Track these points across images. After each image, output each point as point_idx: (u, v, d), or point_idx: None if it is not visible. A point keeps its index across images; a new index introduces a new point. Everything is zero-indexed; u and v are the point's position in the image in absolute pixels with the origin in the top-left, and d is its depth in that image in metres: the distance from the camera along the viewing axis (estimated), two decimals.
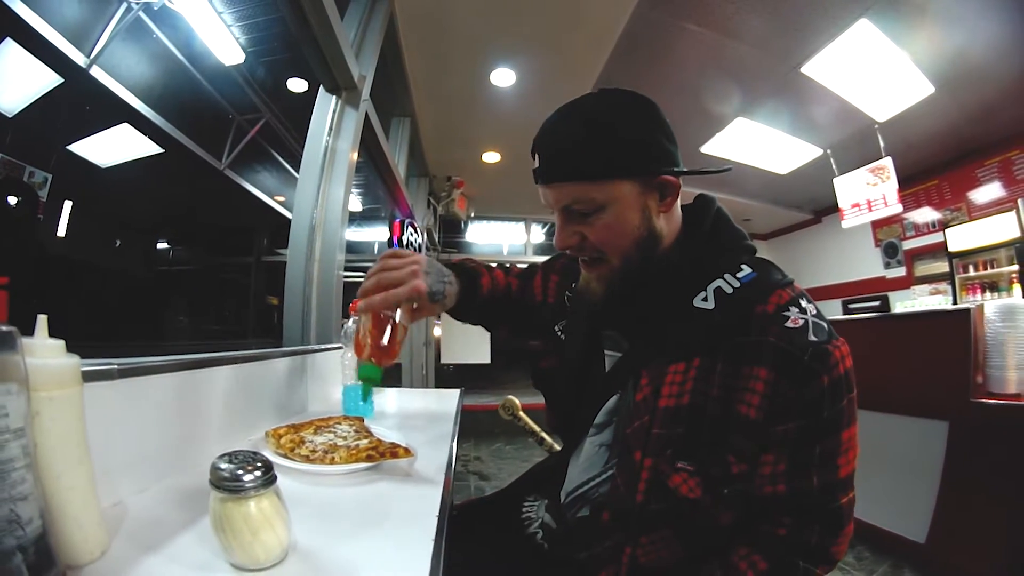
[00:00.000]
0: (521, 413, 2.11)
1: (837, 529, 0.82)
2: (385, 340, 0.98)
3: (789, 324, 0.83)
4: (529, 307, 1.33)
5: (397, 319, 1.00)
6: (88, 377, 0.65)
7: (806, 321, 0.83)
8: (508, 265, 1.43)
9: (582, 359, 1.10)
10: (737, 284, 0.89)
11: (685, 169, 0.92)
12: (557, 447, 1.48)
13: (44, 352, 0.57)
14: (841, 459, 0.81)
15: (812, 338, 0.81)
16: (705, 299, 0.89)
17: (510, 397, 2.14)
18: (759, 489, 0.82)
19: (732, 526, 0.85)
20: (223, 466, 0.62)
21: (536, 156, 0.93)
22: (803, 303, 0.87)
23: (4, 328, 0.48)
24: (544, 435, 1.97)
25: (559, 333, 1.20)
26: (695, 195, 1.06)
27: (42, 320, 0.58)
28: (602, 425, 1.02)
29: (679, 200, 0.97)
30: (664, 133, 0.90)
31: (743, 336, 0.85)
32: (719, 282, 0.90)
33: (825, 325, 0.84)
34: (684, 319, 0.90)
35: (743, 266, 0.91)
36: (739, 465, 0.82)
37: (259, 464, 0.63)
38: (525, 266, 1.41)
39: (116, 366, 0.79)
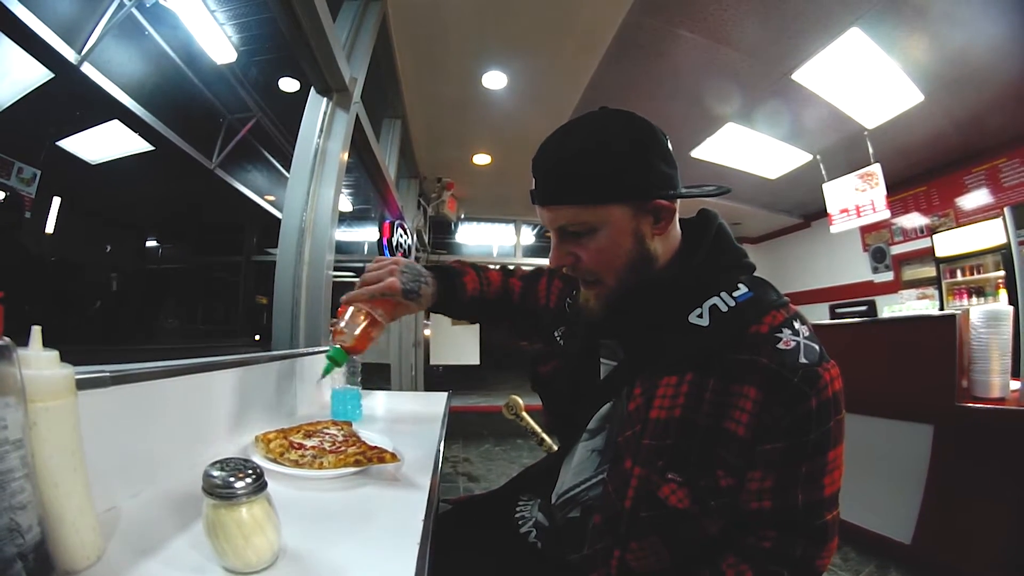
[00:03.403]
0: (524, 413, 2.11)
1: (822, 544, 0.83)
2: (357, 331, 1.12)
3: (781, 346, 0.84)
4: (532, 310, 1.36)
5: (376, 317, 1.14)
6: (81, 385, 0.66)
7: (798, 343, 0.84)
8: (512, 267, 1.46)
9: (579, 365, 1.12)
10: (732, 303, 0.90)
11: (683, 191, 0.94)
12: (556, 448, 1.50)
13: (39, 363, 0.58)
14: (827, 478, 0.82)
15: (803, 360, 0.82)
16: (700, 316, 0.90)
17: (514, 397, 2.14)
18: (746, 504, 0.83)
19: (719, 536, 0.86)
20: (215, 473, 0.63)
21: (533, 176, 0.95)
22: (796, 324, 0.88)
23: (0, 342, 0.49)
24: (544, 436, 1.98)
25: (558, 339, 1.22)
26: (698, 208, 1.07)
27: (36, 331, 0.59)
28: (595, 431, 1.03)
29: (677, 215, 0.98)
30: (661, 157, 0.91)
31: (735, 354, 0.86)
32: (715, 300, 0.91)
33: (817, 347, 0.85)
34: (679, 334, 0.91)
35: (740, 285, 0.92)
36: (727, 479, 0.83)
37: (250, 471, 0.65)
38: (531, 268, 1.44)
39: (108, 373, 0.81)
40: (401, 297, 1.16)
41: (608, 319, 1.01)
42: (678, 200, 0.95)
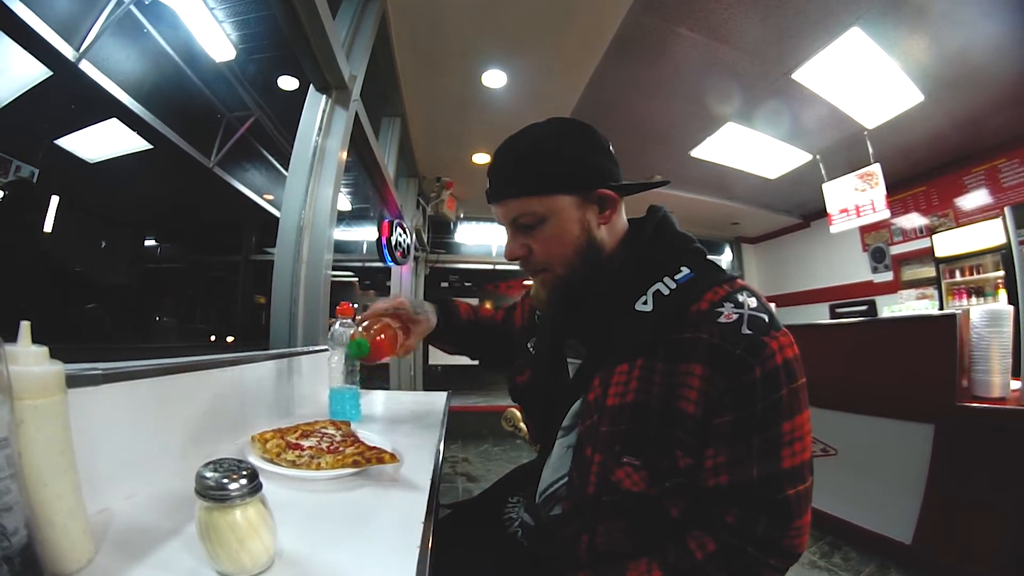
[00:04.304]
0: (521, 424, 2.13)
1: (786, 521, 0.82)
2: (380, 336, 1.26)
3: (722, 319, 0.86)
4: (512, 332, 1.48)
5: (391, 324, 1.31)
6: (72, 383, 0.65)
7: (741, 315, 0.86)
8: (502, 306, 1.62)
9: (549, 368, 1.16)
10: (674, 285, 0.94)
11: (625, 182, 1.01)
12: None
13: (27, 359, 0.57)
14: (785, 450, 0.82)
15: (746, 331, 0.84)
16: (645, 302, 0.94)
17: (512, 409, 2.16)
18: (704, 482, 0.84)
19: (683, 518, 0.87)
20: (208, 475, 0.62)
21: (488, 178, 1.05)
22: (741, 297, 0.90)
23: None
24: None
25: (530, 349, 1.28)
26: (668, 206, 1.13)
27: (25, 326, 0.57)
28: (568, 428, 1.05)
29: (623, 212, 1.06)
30: (601, 152, 1.00)
31: (679, 334, 0.89)
32: (658, 285, 0.95)
33: (765, 318, 0.86)
34: (628, 322, 0.96)
35: (682, 268, 0.96)
36: (686, 459, 0.85)
37: (244, 472, 0.63)
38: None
39: (100, 371, 0.79)
40: (411, 311, 1.36)
41: (564, 317, 1.11)
42: (624, 194, 1.02)
